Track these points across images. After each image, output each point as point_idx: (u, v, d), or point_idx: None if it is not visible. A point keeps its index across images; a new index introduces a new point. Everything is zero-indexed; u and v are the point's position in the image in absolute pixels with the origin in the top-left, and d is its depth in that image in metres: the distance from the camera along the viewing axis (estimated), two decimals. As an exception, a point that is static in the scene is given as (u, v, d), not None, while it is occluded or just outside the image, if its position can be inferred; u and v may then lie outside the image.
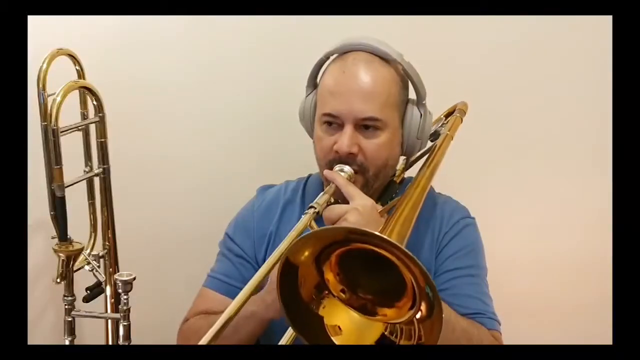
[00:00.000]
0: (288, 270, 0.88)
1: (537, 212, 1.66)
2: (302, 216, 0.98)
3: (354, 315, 0.93)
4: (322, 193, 1.06)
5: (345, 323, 0.93)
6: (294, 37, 1.52)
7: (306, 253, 0.88)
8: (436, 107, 1.28)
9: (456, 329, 1.02)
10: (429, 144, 1.23)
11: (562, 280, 1.68)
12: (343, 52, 1.15)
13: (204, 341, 0.77)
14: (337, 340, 0.92)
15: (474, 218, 1.25)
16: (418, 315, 0.87)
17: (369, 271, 0.92)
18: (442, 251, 1.17)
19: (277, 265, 0.87)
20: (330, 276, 0.92)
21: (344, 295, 0.93)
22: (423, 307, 0.85)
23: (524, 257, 1.66)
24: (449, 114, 1.37)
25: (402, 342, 0.89)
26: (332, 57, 1.17)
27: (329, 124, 1.14)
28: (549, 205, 1.65)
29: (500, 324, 1.14)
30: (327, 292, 0.92)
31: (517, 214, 1.66)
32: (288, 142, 1.52)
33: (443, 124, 1.32)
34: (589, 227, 1.64)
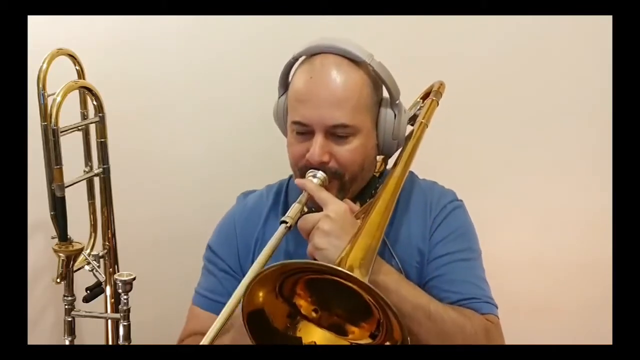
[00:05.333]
0: (254, 317, 0.90)
1: (537, 212, 1.66)
2: (275, 233, 0.98)
3: (326, 332, 0.96)
4: (294, 203, 1.04)
5: (319, 338, 0.95)
6: (294, 37, 1.51)
7: (260, 294, 0.90)
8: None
9: (445, 319, 1.00)
10: (409, 128, 1.20)
11: (562, 280, 1.68)
12: (311, 54, 1.10)
13: None
14: None
15: (461, 201, 1.22)
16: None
17: (335, 291, 0.93)
18: (432, 236, 1.14)
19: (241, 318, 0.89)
20: (301, 302, 0.94)
21: (315, 315, 0.95)
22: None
23: (524, 257, 1.66)
24: (425, 95, 1.34)
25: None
26: (300, 59, 1.13)
27: (300, 131, 1.11)
28: (549, 205, 1.65)
29: (497, 308, 1.11)
30: (299, 317, 0.94)
31: (517, 214, 1.66)
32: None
33: (420, 107, 1.29)
34: (589, 227, 1.64)
